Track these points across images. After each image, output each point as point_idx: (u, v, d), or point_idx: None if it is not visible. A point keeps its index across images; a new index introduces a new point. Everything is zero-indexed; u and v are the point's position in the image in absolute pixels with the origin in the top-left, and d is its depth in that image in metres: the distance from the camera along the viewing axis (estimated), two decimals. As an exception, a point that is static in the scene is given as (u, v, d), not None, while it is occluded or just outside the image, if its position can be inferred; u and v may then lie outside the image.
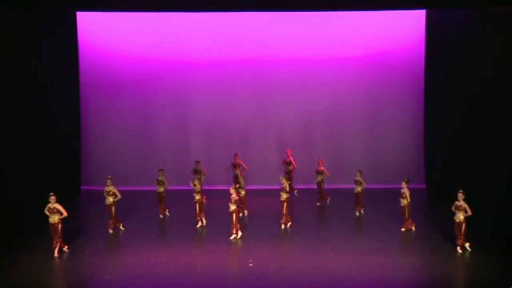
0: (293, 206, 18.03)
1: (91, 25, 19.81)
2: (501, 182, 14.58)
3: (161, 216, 17.27)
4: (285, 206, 15.87)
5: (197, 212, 16.16)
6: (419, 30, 19.61)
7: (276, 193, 16.21)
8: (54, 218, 14.05)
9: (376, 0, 15.29)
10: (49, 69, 17.52)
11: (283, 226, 15.94)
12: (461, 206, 14.01)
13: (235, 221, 15.12)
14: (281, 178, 16.00)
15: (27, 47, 16.29)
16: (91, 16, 19.53)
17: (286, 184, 15.90)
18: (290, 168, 19.29)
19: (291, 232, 15.78)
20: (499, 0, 14.36)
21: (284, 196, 15.89)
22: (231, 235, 15.10)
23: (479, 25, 15.93)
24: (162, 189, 17.20)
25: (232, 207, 15.11)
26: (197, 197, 16.14)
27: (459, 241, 14.08)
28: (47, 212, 14.08)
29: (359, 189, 17.17)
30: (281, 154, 19.94)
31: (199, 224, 16.18)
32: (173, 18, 19.72)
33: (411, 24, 19.80)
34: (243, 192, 16.45)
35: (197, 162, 18.41)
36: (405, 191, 15.53)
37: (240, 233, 15.19)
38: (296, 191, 19.38)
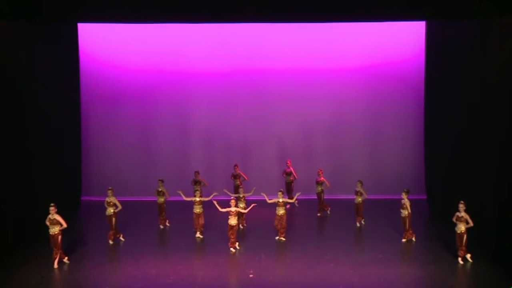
0: (294, 217, 18.03)
1: (92, 36, 19.86)
2: (502, 193, 14.55)
3: (162, 227, 17.24)
4: (284, 219, 15.89)
5: (196, 224, 16.18)
6: (419, 40, 19.64)
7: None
8: (54, 229, 14.01)
9: (376, 12, 15.33)
10: (49, 80, 17.54)
11: (277, 238, 15.96)
12: (462, 217, 13.99)
13: (234, 235, 15.09)
14: (279, 194, 15.88)
15: (27, 58, 16.30)
16: (92, 27, 19.57)
17: (282, 200, 15.88)
18: (291, 178, 19.29)
19: (292, 243, 15.73)
20: (499, 12, 14.38)
21: (281, 211, 15.84)
22: (230, 249, 15.08)
23: (479, 35, 15.98)
24: (162, 199, 17.17)
25: (233, 221, 15.09)
26: (197, 210, 16.11)
27: (461, 252, 14.05)
28: (48, 223, 14.06)
29: (359, 199, 17.15)
30: (281, 164, 19.95)
31: (198, 234, 16.20)
32: (173, 30, 19.75)
33: (411, 35, 19.85)
34: (242, 205, 16.41)
35: (197, 172, 18.39)
36: (406, 201, 15.51)
37: (237, 247, 15.20)
38: (296, 202, 19.35)
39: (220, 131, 20.56)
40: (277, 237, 15.94)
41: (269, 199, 15.87)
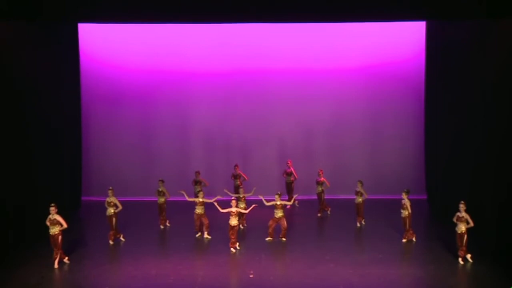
0: (294, 217, 18.03)
1: (92, 36, 19.86)
2: (502, 193, 14.56)
3: (162, 227, 17.24)
4: (284, 221, 15.87)
5: (197, 224, 16.18)
6: (419, 40, 19.64)
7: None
8: (55, 230, 14.01)
9: (376, 12, 15.32)
10: (49, 80, 17.54)
11: (267, 239, 15.95)
12: (462, 217, 13.99)
13: (235, 236, 15.09)
14: (276, 197, 15.78)
15: (27, 58, 16.31)
16: (92, 27, 19.56)
17: (280, 202, 15.81)
18: (292, 179, 19.28)
19: (292, 243, 15.73)
20: (499, 13, 14.38)
21: (279, 213, 15.81)
22: (231, 249, 15.08)
23: (479, 35, 15.97)
24: (162, 200, 17.17)
25: (233, 222, 15.09)
26: (198, 210, 16.10)
27: (461, 252, 14.04)
28: (48, 223, 14.05)
29: (360, 200, 17.14)
30: (281, 164, 19.95)
31: (199, 234, 16.20)
32: (173, 30, 19.76)
33: (411, 35, 19.84)
34: (242, 205, 16.39)
35: (197, 172, 18.39)
36: (406, 202, 15.50)
37: (237, 247, 15.20)
38: (296, 202, 19.33)
39: (220, 131, 20.55)
40: (267, 238, 15.89)
41: (267, 202, 15.84)
